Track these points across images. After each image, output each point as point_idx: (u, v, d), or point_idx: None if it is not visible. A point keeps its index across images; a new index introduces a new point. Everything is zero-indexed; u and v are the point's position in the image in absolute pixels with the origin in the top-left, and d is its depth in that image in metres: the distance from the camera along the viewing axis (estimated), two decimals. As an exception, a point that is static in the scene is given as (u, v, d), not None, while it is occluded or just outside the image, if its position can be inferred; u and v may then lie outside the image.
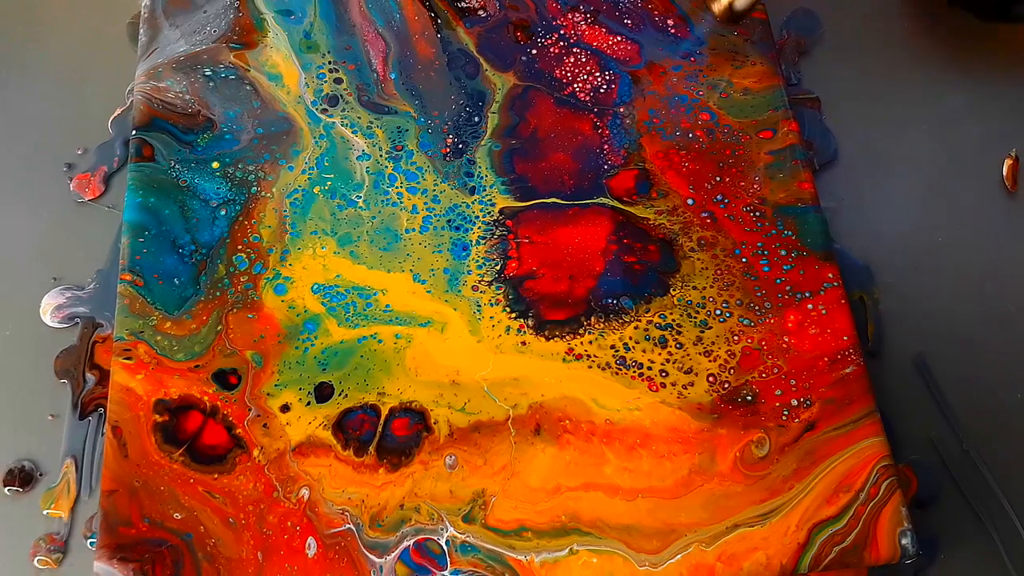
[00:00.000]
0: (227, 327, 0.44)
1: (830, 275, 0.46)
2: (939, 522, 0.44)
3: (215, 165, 0.47)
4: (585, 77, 0.50)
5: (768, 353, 0.44)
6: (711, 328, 0.45)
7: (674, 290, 0.45)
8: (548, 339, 0.44)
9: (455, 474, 0.41)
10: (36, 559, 0.42)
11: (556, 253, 0.46)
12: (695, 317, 0.45)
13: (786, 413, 0.43)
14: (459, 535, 0.40)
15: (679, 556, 0.40)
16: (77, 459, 0.43)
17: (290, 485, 0.41)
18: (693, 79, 0.50)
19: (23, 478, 0.43)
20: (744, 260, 0.46)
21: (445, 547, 0.40)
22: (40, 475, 0.43)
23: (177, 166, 0.47)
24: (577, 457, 0.42)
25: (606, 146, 0.48)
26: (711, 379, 0.43)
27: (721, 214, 0.47)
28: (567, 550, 0.40)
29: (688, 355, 0.44)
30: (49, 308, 0.46)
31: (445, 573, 0.40)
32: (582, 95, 0.50)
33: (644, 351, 0.44)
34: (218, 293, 0.44)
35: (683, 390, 0.43)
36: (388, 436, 0.42)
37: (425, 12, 0.52)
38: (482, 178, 0.47)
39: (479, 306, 0.45)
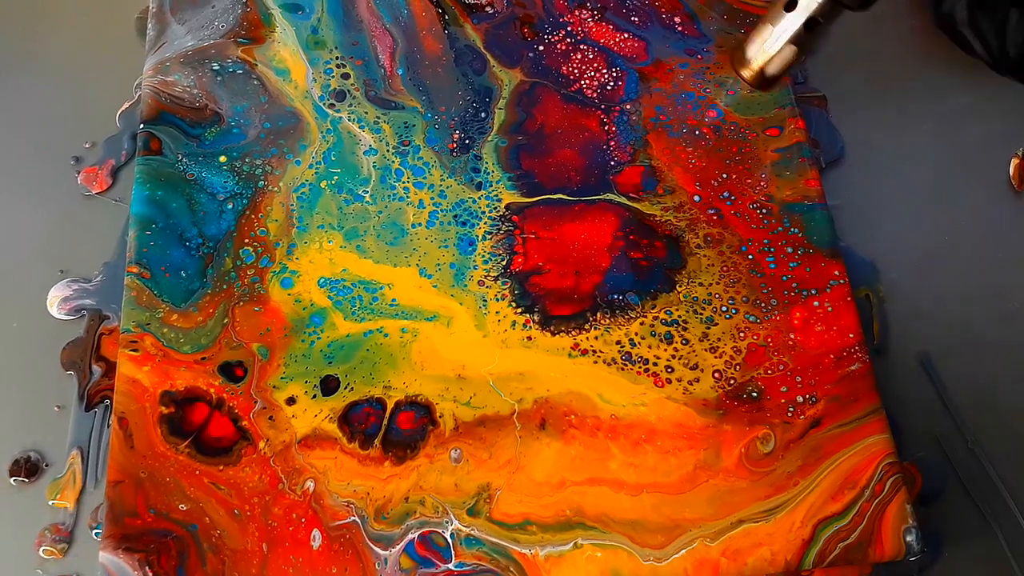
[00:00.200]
0: (233, 320, 0.44)
1: (836, 272, 0.46)
2: (943, 519, 0.44)
3: (222, 159, 0.47)
4: (592, 74, 0.50)
5: (774, 350, 0.44)
6: (717, 324, 0.45)
7: (680, 286, 0.45)
8: (554, 334, 0.44)
9: (460, 468, 0.41)
10: (42, 549, 0.42)
11: (562, 249, 0.46)
12: (701, 313, 0.45)
13: (791, 410, 0.43)
14: (464, 528, 0.40)
15: (684, 551, 0.40)
16: (83, 450, 0.44)
17: (295, 477, 0.41)
18: (700, 76, 0.50)
19: (29, 469, 0.43)
20: (750, 257, 0.46)
21: (450, 540, 0.40)
22: (46, 466, 0.43)
23: (184, 160, 0.47)
24: (582, 452, 0.42)
25: (612, 142, 0.48)
26: (717, 375, 0.44)
27: (728, 211, 0.47)
28: (572, 544, 0.40)
29: (694, 351, 0.44)
30: (56, 300, 0.46)
31: (450, 566, 0.40)
32: (589, 92, 0.50)
33: (650, 347, 0.44)
34: (225, 286, 0.44)
35: (689, 386, 0.43)
36: (394, 429, 0.42)
37: (432, 8, 0.52)
38: (488, 174, 0.47)
39: (485, 301, 0.45)
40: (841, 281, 0.45)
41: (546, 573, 0.40)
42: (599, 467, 0.42)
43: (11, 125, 0.51)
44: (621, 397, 0.43)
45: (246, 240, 0.45)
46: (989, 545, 0.43)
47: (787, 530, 0.41)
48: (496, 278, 0.45)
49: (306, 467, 0.41)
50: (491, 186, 0.47)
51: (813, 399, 0.43)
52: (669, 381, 0.43)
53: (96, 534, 0.42)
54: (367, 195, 0.47)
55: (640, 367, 0.43)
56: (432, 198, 0.47)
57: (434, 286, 0.45)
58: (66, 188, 0.49)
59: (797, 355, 0.44)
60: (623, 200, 0.47)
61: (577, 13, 0.52)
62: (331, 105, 0.49)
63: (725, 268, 0.46)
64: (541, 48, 0.51)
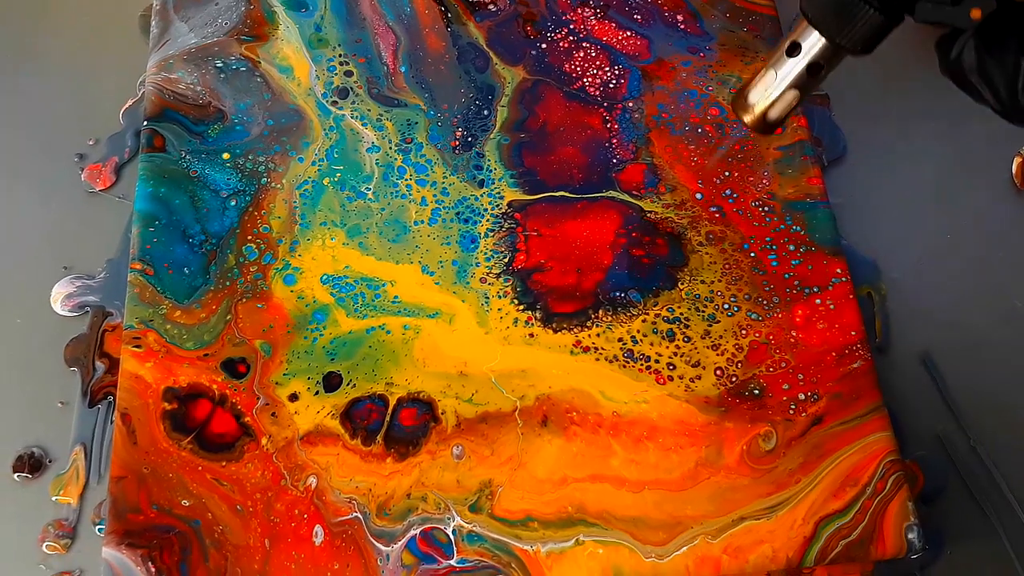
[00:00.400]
0: (236, 316, 0.44)
1: (838, 270, 0.46)
2: (945, 517, 0.44)
3: (226, 156, 0.47)
4: (595, 72, 0.50)
5: (776, 347, 0.44)
6: (719, 322, 0.45)
7: (682, 284, 0.45)
8: (556, 331, 0.44)
9: (462, 464, 0.41)
10: (45, 544, 0.42)
11: (564, 246, 0.46)
12: (703, 311, 0.45)
13: (793, 407, 0.43)
14: (466, 524, 0.40)
15: (685, 548, 0.40)
16: (86, 446, 0.44)
17: (298, 473, 0.41)
18: (702, 74, 0.50)
19: (32, 464, 0.43)
20: (752, 255, 0.46)
21: (452, 536, 0.40)
22: (49, 462, 0.44)
23: (188, 156, 0.47)
24: (584, 449, 0.42)
25: (615, 140, 0.49)
26: (718, 373, 0.44)
27: (730, 209, 0.47)
28: (573, 541, 0.40)
29: (696, 348, 0.44)
30: (59, 297, 0.46)
31: (452, 562, 0.40)
32: (591, 89, 0.50)
33: (652, 344, 0.44)
34: (228, 283, 0.44)
35: (690, 383, 0.43)
36: (396, 426, 0.42)
37: (435, 6, 0.52)
38: (491, 171, 0.48)
39: (487, 298, 0.45)
40: (843, 279, 0.46)
41: (547, 569, 0.40)
42: (601, 464, 0.42)
43: (15, 122, 0.51)
44: (623, 394, 0.43)
45: (249, 237, 0.45)
46: (991, 543, 0.43)
47: (789, 527, 0.41)
48: (498, 275, 0.45)
49: (308, 463, 0.41)
50: (493, 183, 0.47)
51: (815, 396, 0.43)
52: (671, 378, 0.43)
53: (99, 530, 0.42)
54: (370, 192, 0.47)
55: (642, 364, 0.44)
56: (434, 195, 0.47)
57: (436, 283, 0.45)
58: (70, 185, 0.49)
59: (799, 352, 0.44)
60: (625, 198, 0.47)
61: (580, 11, 0.52)
62: (334, 102, 0.49)
63: (727, 266, 0.46)
64: (544, 46, 0.51)
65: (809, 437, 0.42)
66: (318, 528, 0.40)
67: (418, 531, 0.40)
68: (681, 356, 0.44)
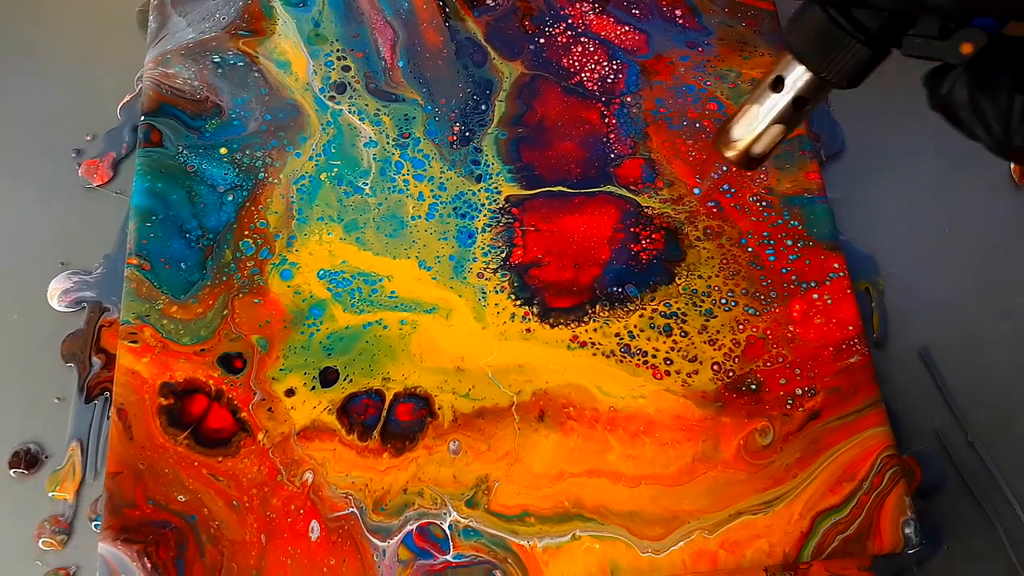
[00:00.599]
0: (233, 312, 0.44)
1: (836, 265, 0.46)
2: (942, 513, 0.44)
3: (223, 151, 0.47)
4: (593, 66, 0.50)
5: (773, 342, 0.44)
6: (716, 317, 0.45)
7: (679, 279, 0.45)
8: (553, 326, 0.44)
9: (459, 459, 0.41)
10: (41, 540, 0.42)
11: (562, 241, 0.46)
12: (700, 306, 0.45)
13: (790, 402, 0.43)
14: (462, 520, 0.40)
15: (682, 543, 0.40)
16: (83, 442, 0.44)
17: (294, 469, 0.41)
18: (701, 69, 0.50)
19: (29, 460, 0.43)
20: (750, 250, 0.46)
21: (448, 531, 0.40)
22: (46, 457, 0.44)
23: (185, 152, 0.47)
24: (581, 444, 0.42)
25: (613, 135, 0.48)
26: (715, 367, 0.43)
27: (727, 204, 0.47)
28: (570, 536, 0.40)
29: (693, 343, 0.44)
30: (56, 292, 0.46)
31: (448, 557, 0.40)
32: (589, 84, 0.50)
33: (649, 339, 0.44)
34: (224, 278, 0.44)
35: (687, 378, 0.43)
36: (392, 421, 0.42)
37: (433, 1, 0.52)
38: (488, 166, 0.47)
39: (484, 293, 0.45)
40: (841, 274, 0.45)
41: (544, 564, 0.40)
42: (597, 459, 0.42)
43: (12, 118, 0.51)
44: (620, 389, 0.43)
45: (246, 232, 0.45)
46: (988, 538, 0.43)
47: (785, 522, 0.41)
48: (495, 270, 0.45)
49: (305, 458, 0.41)
50: (491, 178, 0.47)
51: (812, 391, 0.43)
52: (668, 373, 0.43)
53: (95, 525, 0.42)
54: (367, 187, 0.47)
55: (639, 359, 0.43)
56: (432, 190, 0.47)
57: (433, 278, 0.45)
58: (67, 181, 0.49)
59: (796, 347, 0.44)
60: (623, 192, 0.47)
61: (578, 6, 0.52)
62: (331, 97, 0.49)
63: (724, 260, 0.46)
64: (542, 41, 0.51)
65: (806, 432, 0.42)
66: (314, 523, 0.40)
67: (414, 526, 0.40)
68: (678, 351, 0.44)
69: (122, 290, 0.44)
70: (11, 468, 0.43)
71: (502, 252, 0.46)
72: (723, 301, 0.45)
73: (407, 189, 0.47)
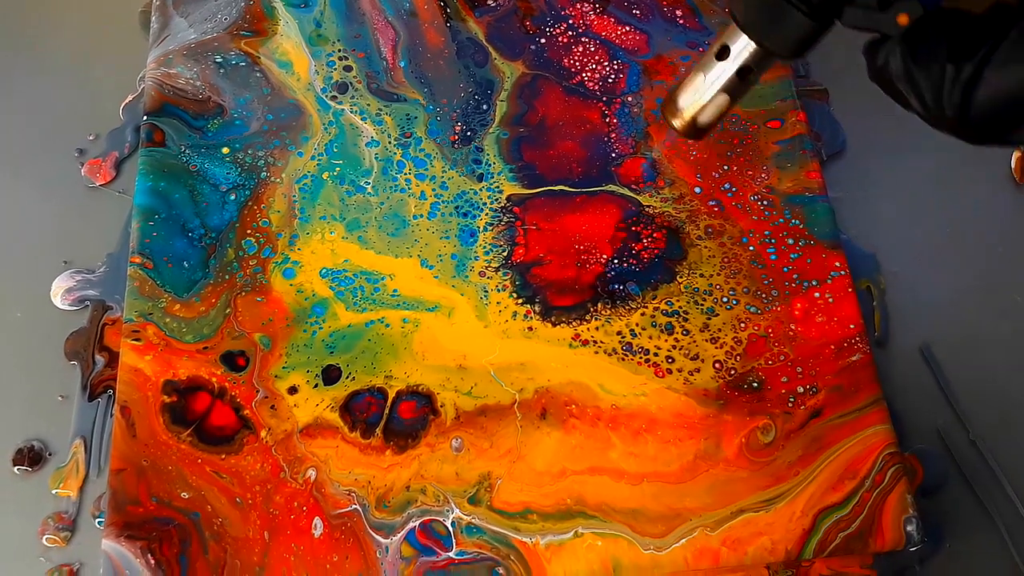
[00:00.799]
0: (236, 310, 0.44)
1: (837, 264, 0.46)
2: (944, 511, 0.44)
3: (225, 150, 0.47)
4: (594, 66, 0.50)
5: (774, 340, 0.44)
6: (718, 315, 0.45)
7: (681, 277, 0.45)
8: (555, 325, 0.44)
9: (461, 457, 0.41)
10: (45, 537, 0.42)
11: (563, 240, 0.46)
12: (702, 304, 0.45)
13: (792, 400, 0.43)
14: (465, 517, 0.40)
15: (684, 540, 0.40)
16: (86, 439, 0.44)
17: (297, 466, 0.41)
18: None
19: (32, 458, 0.43)
20: (751, 248, 0.46)
21: (451, 528, 0.40)
22: (49, 455, 0.44)
23: (188, 151, 0.47)
24: (583, 441, 0.42)
25: (614, 134, 0.49)
26: (717, 366, 0.44)
27: (729, 202, 0.47)
28: (572, 533, 0.40)
29: (694, 342, 0.44)
30: (60, 291, 0.47)
31: (450, 554, 0.40)
32: (590, 84, 0.50)
33: (651, 337, 0.44)
34: (227, 276, 0.44)
35: (689, 376, 0.43)
36: (395, 419, 0.42)
37: (434, 1, 0.52)
38: (490, 165, 0.48)
39: (486, 292, 0.45)
40: (842, 272, 0.46)
41: (546, 561, 0.40)
42: (600, 456, 0.42)
43: (16, 117, 0.51)
44: (622, 387, 0.43)
45: (248, 231, 0.46)
46: (990, 536, 0.43)
47: (787, 520, 0.41)
48: (497, 269, 0.45)
49: (308, 456, 0.41)
50: (492, 178, 0.47)
51: (814, 389, 0.43)
52: (670, 371, 0.43)
53: (99, 522, 0.42)
54: (369, 186, 0.47)
55: (641, 357, 0.44)
56: (434, 189, 0.47)
57: (435, 277, 0.45)
58: (70, 180, 0.49)
59: (798, 346, 0.44)
60: (624, 192, 0.47)
61: (579, 6, 0.52)
62: (333, 97, 0.49)
63: (726, 259, 0.46)
64: (543, 41, 0.51)
65: (808, 430, 0.42)
66: (317, 520, 0.40)
67: (417, 523, 0.40)
68: (680, 349, 0.44)
69: (125, 288, 0.44)
70: (15, 465, 0.43)
71: (504, 251, 0.46)
72: (724, 299, 0.45)
73: (409, 188, 0.47)
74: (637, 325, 0.44)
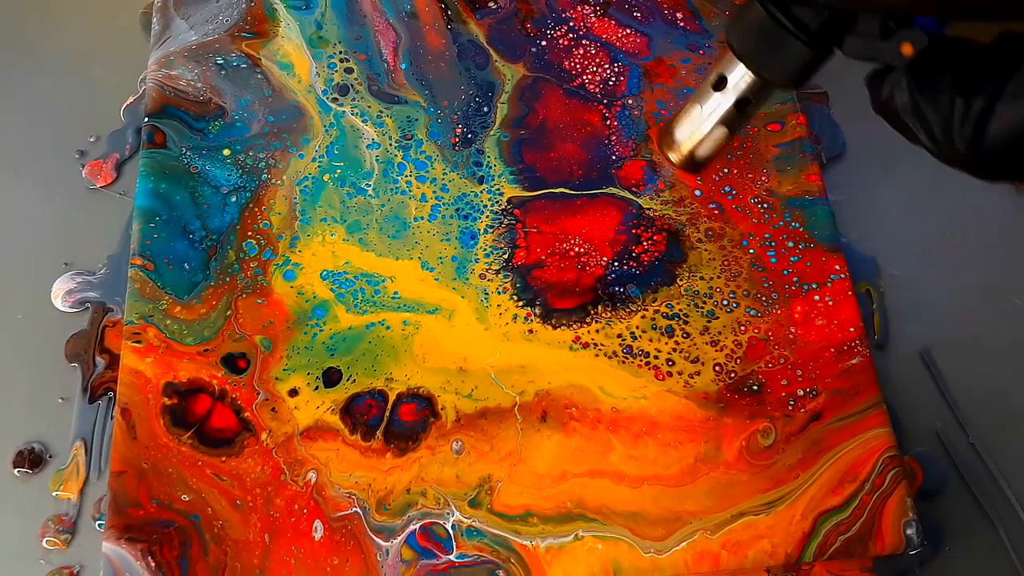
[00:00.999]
0: (236, 312, 0.44)
1: (837, 267, 0.46)
2: (944, 514, 0.44)
3: (226, 152, 0.47)
4: (594, 69, 0.50)
5: (775, 343, 0.44)
6: (718, 318, 0.45)
7: (681, 280, 0.45)
8: (555, 327, 0.44)
9: (462, 459, 0.41)
10: (45, 540, 0.42)
11: (564, 242, 0.46)
12: (702, 307, 0.45)
13: (792, 403, 0.43)
14: (465, 520, 0.40)
15: (684, 543, 0.40)
16: (86, 442, 0.44)
17: (297, 468, 0.41)
18: (702, 72, 0.50)
19: (33, 460, 0.43)
20: (752, 251, 0.46)
21: (451, 531, 0.40)
22: (50, 457, 0.44)
23: (189, 153, 0.47)
24: (583, 444, 0.42)
25: (614, 137, 0.49)
26: (717, 369, 0.44)
27: (729, 205, 0.47)
28: (572, 536, 0.40)
29: (695, 344, 0.44)
30: (60, 293, 0.47)
31: (451, 557, 0.40)
32: (591, 86, 0.50)
33: (651, 340, 0.44)
34: (228, 278, 0.45)
35: (689, 379, 0.43)
36: (395, 421, 0.42)
37: (435, 3, 0.52)
38: (491, 167, 0.48)
39: (487, 294, 0.45)
40: (842, 275, 0.46)
41: (547, 565, 0.40)
42: (600, 459, 0.42)
43: (16, 119, 0.51)
44: (622, 390, 0.43)
45: (249, 233, 0.46)
46: (990, 539, 0.43)
47: (788, 523, 0.41)
48: (498, 271, 0.45)
49: (308, 458, 0.41)
50: (493, 180, 0.47)
51: (814, 392, 0.43)
52: (670, 374, 0.43)
53: (99, 525, 0.42)
54: (370, 189, 0.47)
55: (641, 360, 0.44)
56: (434, 192, 0.47)
57: (436, 279, 0.45)
58: (71, 182, 0.49)
59: (798, 349, 0.44)
60: (625, 194, 0.47)
61: (579, 8, 0.52)
62: (334, 99, 0.49)
63: (726, 262, 0.46)
64: (544, 43, 0.51)
65: (808, 433, 0.42)
66: (318, 523, 0.40)
67: (417, 526, 0.40)
68: (680, 352, 0.44)
69: (126, 291, 0.44)
70: (15, 467, 0.43)
71: (504, 253, 0.46)
72: (725, 302, 0.45)
73: (410, 190, 0.47)
74: (637, 328, 0.44)
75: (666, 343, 0.44)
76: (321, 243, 0.46)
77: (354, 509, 0.40)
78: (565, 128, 0.49)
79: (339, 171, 0.47)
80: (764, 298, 0.45)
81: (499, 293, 0.45)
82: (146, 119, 0.48)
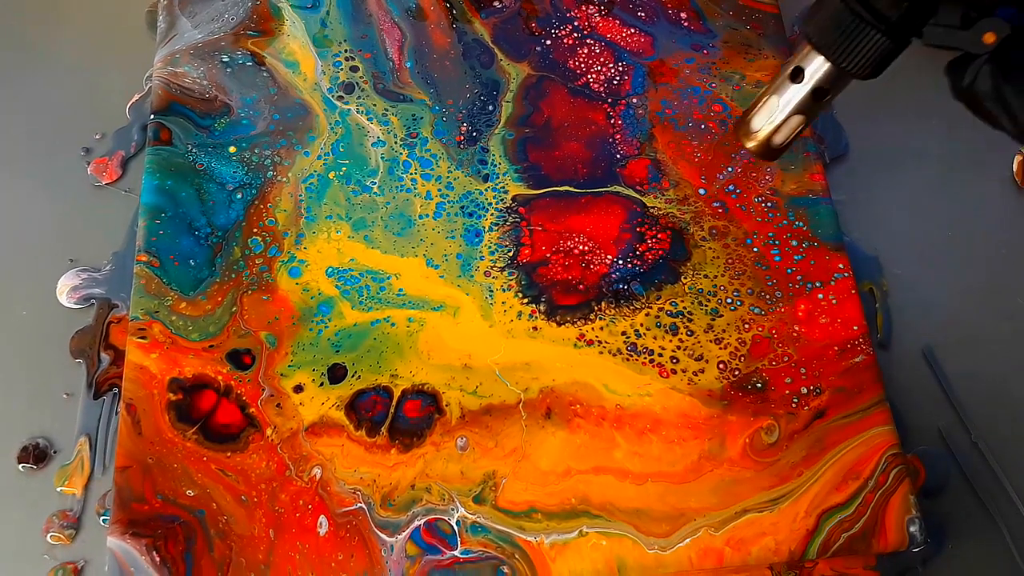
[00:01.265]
0: (242, 308, 0.44)
1: (840, 265, 0.46)
2: (947, 512, 0.44)
3: (232, 149, 0.47)
4: (599, 68, 0.51)
5: (778, 341, 0.44)
6: (722, 316, 0.45)
7: (685, 278, 0.46)
8: (559, 325, 0.44)
9: (466, 456, 0.42)
10: (49, 535, 0.42)
11: (568, 240, 0.46)
12: (706, 305, 0.45)
13: (796, 401, 0.43)
14: (469, 516, 0.40)
15: (688, 540, 0.40)
16: (91, 437, 0.44)
17: (302, 464, 0.41)
18: (706, 71, 0.51)
19: (37, 455, 0.43)
20: (755, 250, 0.46)
21: (455, 527, 0.40)
22: (54, 452, 0.44)
23: (194, 150, 0.47)
24: (587, 441, 0.42)
25: (619, 136, 0.49)
26: (721, 366, 0.44)
27: (733, 204, 0.47)
28: (577, 532, 0.40)
29: (699, 342, 0.44)
30: (65, 289, 0.47)
31: (455, 553, 0.40)
32: (595, 86, 0.50)
33: (655, 338, 0.44)
34: (233, 275, 0.45)
35: (694, 377, 0.43)
36: (400, 417, 0.42)
37: (441, 2, 0.52)
38: (496, 166, 0.48)
39: (491, 291, 0.45)
40: (845, 274, 0.46)
41: (551, 561, 0.40)
42: (604, 456, 0.42)
43: (23, 117, 0.51)
44: (626, 387, 0.43)
45: (255, 230, 0.46)
46: (992, 537, 0.44)
47: (791, 520, 0.41)
48: (502, 269, 0.45)
49: (313, 454, 0.41)
50: (498, 178, 0.47)
51: (817, 390, 0.43)
52: (674, 372, 0.44)
53: (104, 520, 0.42)
54: (375, 186, 0.47)
55: (645, 358, 0.44)
56: (439, 189, 0.47)
57: (441, 276, 0.45)
58: (76, 179, 0.50)
59: (801, 347, 0.44)
60: (629, 193, 0.47)
61: (584, 8, 0.52)
62: (340, 97, 0.49)
63: (730, 260, 0.46)
64: (548, 42, 0.51)
65: (811, 431, 0.43)
66: (322, 519, 0.40)
67: (422, 522, 0.40)
68: (684, 350, 0.44)
69: (131, 287, 0.44)
70: (20, 463, 0.43)
71: (509, 251, 0.46)
72: (729, 300, 0.45)
73: (415, 188, 0.47)
74: (642, 325, 0.44)
75: (670, 341, 0.44)
76: (326, 240, 0.46)
77: (359, 505, 0.41)
78: (569, 127, 0.49)
79: (344, 169, 0.47)
80: (768, 296, 0.45)
81: (504, 290, 0.45)
82: (152, 116, 0.48)
